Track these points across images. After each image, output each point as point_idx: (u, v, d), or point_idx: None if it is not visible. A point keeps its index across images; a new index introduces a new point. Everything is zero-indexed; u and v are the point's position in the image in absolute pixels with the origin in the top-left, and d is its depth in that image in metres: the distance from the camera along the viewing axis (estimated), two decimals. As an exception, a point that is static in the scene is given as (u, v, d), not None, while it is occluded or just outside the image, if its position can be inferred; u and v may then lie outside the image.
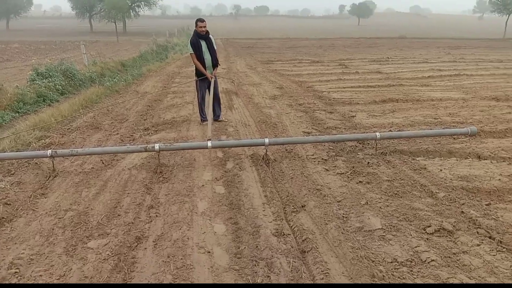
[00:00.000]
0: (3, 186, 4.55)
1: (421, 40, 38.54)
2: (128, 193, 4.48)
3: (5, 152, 5.66)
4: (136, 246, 3.43)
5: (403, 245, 3.28)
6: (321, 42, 35.20)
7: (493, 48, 27.89)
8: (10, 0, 61.01)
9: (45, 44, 32.85)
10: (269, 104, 9.24)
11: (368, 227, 3.58)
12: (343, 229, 3.55)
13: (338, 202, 4.11)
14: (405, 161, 5.27)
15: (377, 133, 5.53)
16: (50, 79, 10.92)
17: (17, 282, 2.89)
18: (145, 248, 3.39)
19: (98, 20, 55.69)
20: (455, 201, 4.06)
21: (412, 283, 2.83)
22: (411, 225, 3.61)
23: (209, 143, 5.22)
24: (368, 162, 5.22)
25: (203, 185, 4.70)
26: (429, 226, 3.54)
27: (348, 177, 4.78)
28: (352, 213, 3.85)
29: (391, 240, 3.37)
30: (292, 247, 3.32)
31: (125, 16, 50.96)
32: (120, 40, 36.15)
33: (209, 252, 3.29)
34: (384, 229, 3.54)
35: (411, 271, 2.95)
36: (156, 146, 5.14)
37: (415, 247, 3.25)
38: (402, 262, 3.06)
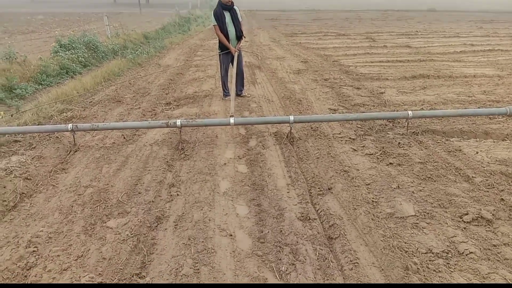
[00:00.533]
0: (24, 160, 4.50)
1: (452, 13, 36.86)
2: (149, 170, 4.37)
3: (27, 125, 5.63)
4: (156, 226, 3.33)
5: (439, 235, 3.06)
6: (347, 15, 34.11)
7: (530, 21, 26.40)
8: (34, -29, 61.31)
9: (69, 15, 32.87)
10: (294, 79, 8.95)
11: (400, 213, 3.36)
12: (373, 215, 3.34)
13: (367, 185, 3.89)
14: (438, 142, 4.97)
15: (409, 112, 5.22)
16: (73, 51, 10.88)
17: (35, 262, 2.82)
18: (166, 229, 3.28)
19: (121, -8, 55.54)
20: (494, 187, 3.79)
21: (448, 275, 2.64)
22: (446, 212, 3.38)
23: (232, 120, 5.04)
24: (399, 143, 4.95)
25: (225, 164, 4.54)
26: (466, 214, 3.30)
27: (378, 158, 4.54)
28: (383, 197, 3.63)
29: (425, 228, 3.15)
30: (318, 233, 3.15)
31: (148, -13, 50.45)
32: (143, 11, 35.85)
33: (231, 235, 3.16)
34: (417, 216, 3.31)
35: (448, 263, 2.74)
36: (178, 122, 4.99)
37: (452, 237, 3.03)
38: (438, 253, 2.84)
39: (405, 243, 2.96)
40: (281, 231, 3.17)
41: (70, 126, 4.96)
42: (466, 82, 8.37)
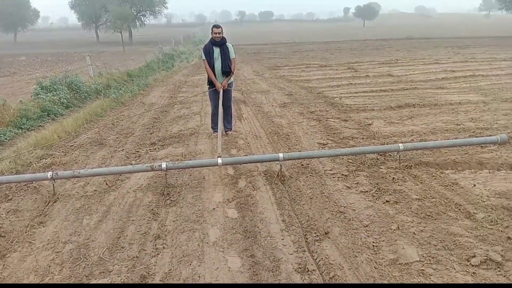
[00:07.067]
0: (-2, 215, 4.19)
1: (429, 40, 37.91)
2: (133, 220, 4.09)
3: (3, 174, 5.33)
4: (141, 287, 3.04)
5: (447, 282, 2.85)
6: (328, 46, 34.78)
7: (503, 46, 27.13)
8: (16, 13, 61.62)
9: (52, 56, 32.84)
10: (280, 113, 8.85)
11: (403, 259, 3.15)
12: (376, 262, 3.12)
13: (365, 227, 3.68)
14: (433, 175, 4.82)
15: (400, 144, 5.12)
16: (54, 92, 10.65)
17: None
18: (151, 290, 3.00)
19: (104, 31, 56.07)
20: (497, 223, 3.61)
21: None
22: (452, 255, 3.17)
23: (220, 160, 4.84)
24: (393, 178, 4.79)
25: (214, 209, 4.30)
26: (474, 257, 3.10)
27: (373, 195, 4.35)
28: (383, 241, 3.42)
29: (432, 275, 2.93)
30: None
31: (130, 25, 51.03)
32: (126, 49, 36.04)
33: (223, 294, 2.89)
34: (422, 261, 3.10)
35: (462, 317, 2.52)
36: (163, 165, 4.76)
37: (462, 284, 2.81)
38: (450, 305, 2.62)
39: (414, 294, 2.74)
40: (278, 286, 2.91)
41: (49, 174, 4.68)
42: (452, 109, 8.37)
